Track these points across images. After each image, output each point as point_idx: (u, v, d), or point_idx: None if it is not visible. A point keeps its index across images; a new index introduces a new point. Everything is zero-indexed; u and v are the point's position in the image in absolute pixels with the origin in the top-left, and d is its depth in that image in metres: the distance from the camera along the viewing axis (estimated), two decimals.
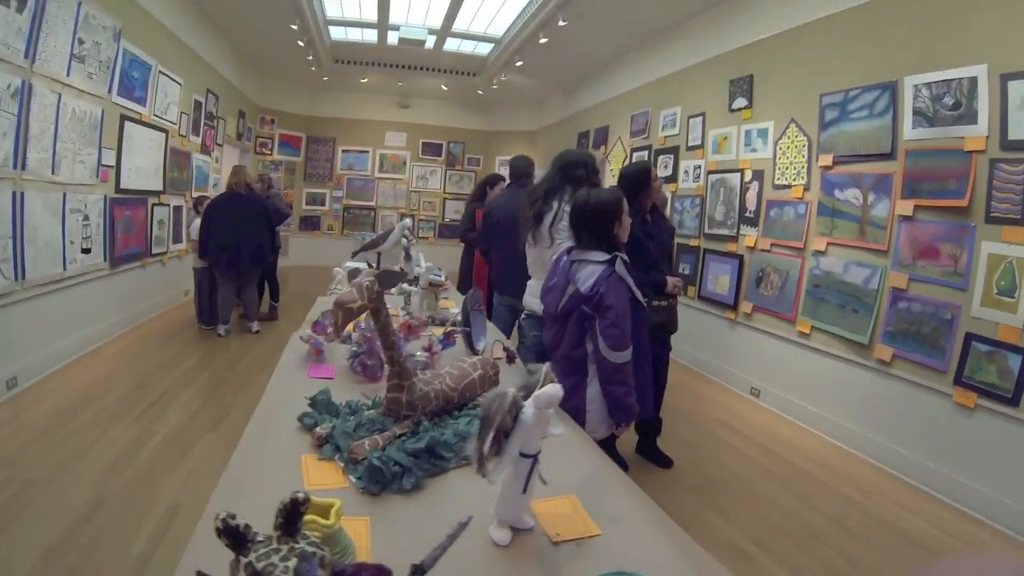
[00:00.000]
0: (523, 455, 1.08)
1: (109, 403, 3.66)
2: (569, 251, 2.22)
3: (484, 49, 8.36)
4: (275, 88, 10.11)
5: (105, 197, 4.74)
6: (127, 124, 5.01)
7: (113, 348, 4.77)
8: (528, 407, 1.07)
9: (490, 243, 3.82)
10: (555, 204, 2.60)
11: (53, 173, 3.99)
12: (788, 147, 4.47)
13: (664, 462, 3.38)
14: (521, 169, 3.92)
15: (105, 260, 4.81)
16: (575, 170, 2.69)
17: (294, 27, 6.73)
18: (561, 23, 6.24)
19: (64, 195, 4.15)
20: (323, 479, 1.28)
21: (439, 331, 2.44)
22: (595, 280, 2.02)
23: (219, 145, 7.64)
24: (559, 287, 2.15)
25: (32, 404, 3.54)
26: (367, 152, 11.12)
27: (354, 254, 4.28)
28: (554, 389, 1.08)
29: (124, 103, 4.93)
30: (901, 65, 3.51)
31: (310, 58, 8.04)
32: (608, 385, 2.05)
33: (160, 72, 5.53)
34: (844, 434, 3.86)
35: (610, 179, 6.45)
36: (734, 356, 5.06)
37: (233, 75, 8.16)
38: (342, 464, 1.33)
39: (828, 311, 4.01)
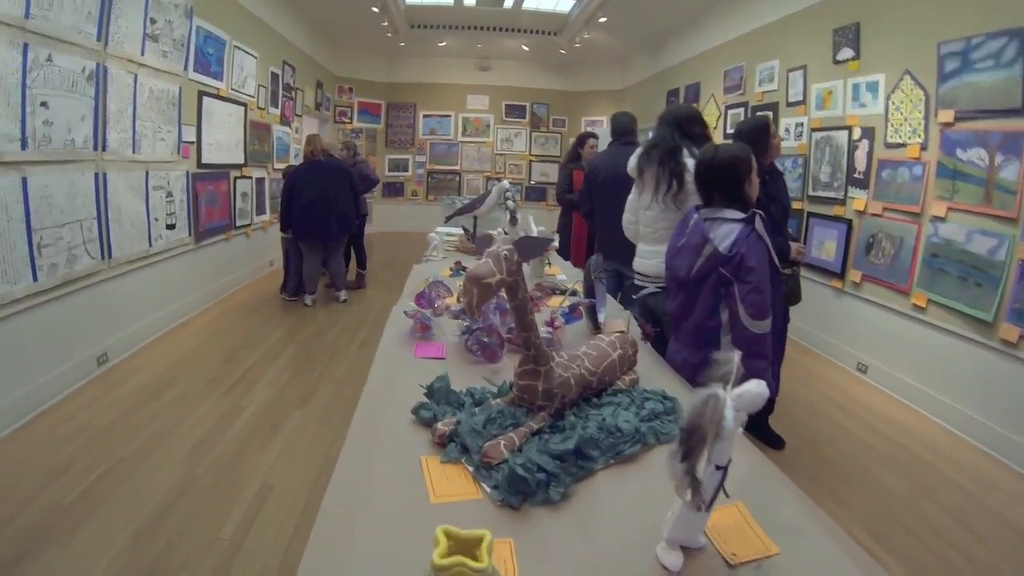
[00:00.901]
0: (716, 467, 0.89)
1: (197, 378, 3.75)
2: (697, 209, 2.01)
3: (565, 6, 7.92)
4: (351, 57, 10.11)
5: (187, 173, 4.86)
6: (205, 100, 5.09)
7: (200, 321, 4.95)
8: (728, 410, 0.86)
9: (593, 205, 3.69)
10: (683, 162, 2.44)
11: (134, 152, 4.08)
12: (902, 102, 4.02)
13: (776, 443, 3.16)
14: (625, 126, 3.72)
15: (190, 235, 4.96)
16: (693, 126, 2.54)
17: None
18: None
19: (147, 173, 4.26)
20: (450, 488, 1.09)
21: (556, 301, 2.21)
22: (734, 240, 1.81)
23: (298, 116, 7.73)
24: (691, 248, 1.91)
25: (122, 380, 3.66)
26: (449, 116, 10.97)
27: (448, 219, 4.15)
28: (759, 387, 0.87)
29: (201, 79, 4.99)
30: None
31: (385, 24, 7.91)
32: (748, 359, 1.80)
33: (235, 47, 5.56)
34: (960, 420, 3.51)
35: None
36: (840, 328, 4.68)
37: (308, 46, 8.18)
38: (471, 468, 1.14)
39: (947, 283, 3.62)
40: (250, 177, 6.17)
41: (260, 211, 6.51)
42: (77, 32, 3.43)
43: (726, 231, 1.84)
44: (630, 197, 2.75)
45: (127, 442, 2.85)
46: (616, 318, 2.12)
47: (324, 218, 5.21)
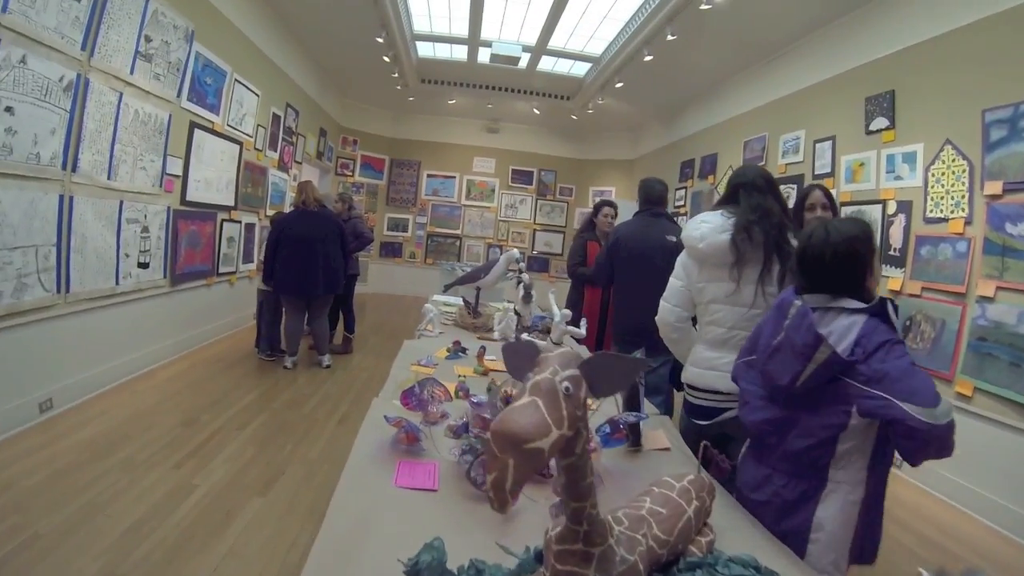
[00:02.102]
0: None
1: (149, 442, 3.15)
2: (797, 293, 1.53)
3: (580, 69, 7.80)
4: (358, 108, 9.92)
5: (168, 208, 4.39)
6: (197, 132, 4.69)
7: (165, 374, 4.35)
8: None
9: (616, 282, 3.25)
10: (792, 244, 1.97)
11: (109, 178, 3.64)
12: (943, 173, 3.80)
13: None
14: (659, 194, 3.32)
15: (165, 276, 4.44)
16: (778, 196, 2.04)
17: (379, 40, 6.38)
18: (670, 37, 5.64)
19: (121, 203, 3.80)
20: None
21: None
22: (856, 336, 1.35)
23: (298, 163, 7.37)
24: (796, 349, 1.39)
25: (64, 433, 3.13)
26: (453, 177, 10.70)
27: (447, 287, 3.76)
28: None
29: (194, 109, 4.61)
30: None
31: (396, 75, 7.72)
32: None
33: (236, 80, 5.24)
34: (1013, 522, 3.12)
35: None
36: None
37: (315, 91, 7.95)
38: None
39: (997, 370, 3.29)
40: (239, 222, 5.72)
41: (247, 259, 6.01)
42: (60, 36, 3.06)
43: (845, 325, 1.39)
44: (706, 287, 2.04)
45: (52, 512, 2.35)
46: (656, 428, 1.64)
47: (310, 273, 4.67)
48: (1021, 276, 3.21)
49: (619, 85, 7.30)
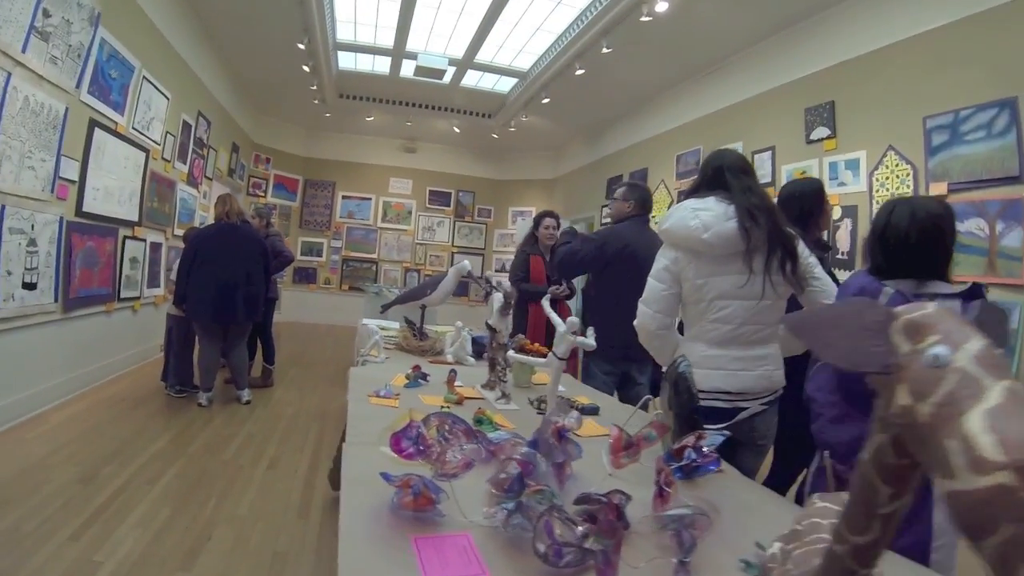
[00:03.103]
0: None
1: (38, 505, 2.47)
2: (876, 277, 1.45)
3: (505, 85, 7.69)
4: (273, 124, 9.25)
5: (61, 219, 3.69)
6: (97, 132, 4.02)
7: (57, 418, 3.59)
8: None
9: (607, 287, 2.95)
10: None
11: None
12: (887, 177, 3.93)
13: None
14: (648, 199, 3.15)
15: (56, 300, 3.71)
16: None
17: (301, 46, 5.92)
18: (605, 50, 5.61)
19: (2, 208, 3.11)
20: None
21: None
22: None
23: (208, 179, 6.64)
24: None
25: None
26: (369, 199, 10.18)
27: (384, 307, 3.34)
28: None
29: (96, 105, 3.96)
30: (1020, 80, 3.12)
31: (314, 88, 7.22)
32: None
33: (144, 78, 4.60)
34: None
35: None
36: None
37: (229, 102, 7.28)
38: None
39: None
40: (144, 240, 4.98)
41: (153, 283, 5.25)
42: None
43: None
44: (708, 283, 1.80)
45: None
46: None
47: (229, 296, 4.06)
48: (971, 268, 3.30)
49: (545, 101, 7.21)
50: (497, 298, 2.09)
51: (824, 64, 4.48)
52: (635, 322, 1.94)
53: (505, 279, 2.23)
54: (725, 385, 1.76)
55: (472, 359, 2.79)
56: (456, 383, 2.01)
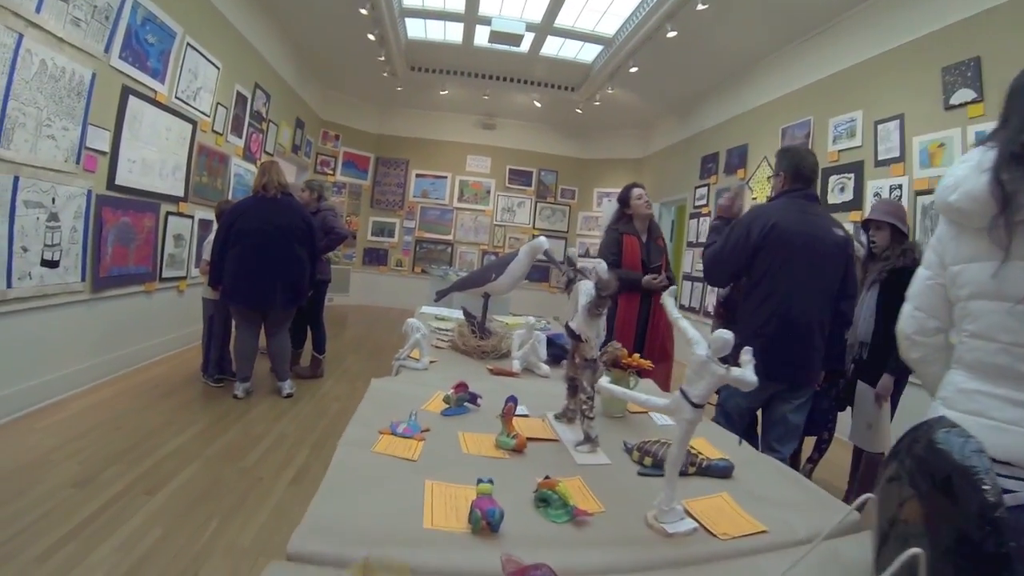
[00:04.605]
0: None
1: (17, 513, 2.18)
2: None
3: (589, 54, 7.00)
4: (342, 100, 8.98)
5: (89, 192, 3.45)
6: (133, 100, 3.76)
7: (79, 404, 3.38)
8: None
9: (759, 282, 2.32)
10: None
11: None
12: None
13: None
14: (810, 168, 2.39)
15: (83, 279, 3.49)
16: None
17: (363, 11, 5.49)
18: (700, 7, 4.87)
19: (16, 180, 2.86)
20: None
21: None
22: None
23: (269, 154, 6.40)
24: None
25: None
26: (445, 178, 9.75)
27: (440, 295, 2.76)
28: None
29: (129, 71, 3.69)
30: None
31: (382, 59, 6.83)
32: None
33: (188, 45, 4.31)
34: None
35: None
36: None
37: (291, 76, 7.02)
38: None
39: None
40: (191, 216, 4.76)
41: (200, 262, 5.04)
42: None
43: None
44: (962, 272, 1.15)
45: None
46: None
47: (266, 278, 3.68)
48: None
49: (633, 70, 6.47)
50: (585, 290, 1.40)
51: (966, 12, 3.74)
52: (896, 325, 1.34)
53: (601, 264, 1.38)
54: (997, 445, 1.01)
55: (546, 367, 2.15)
56: (518, 410, 1.37)
